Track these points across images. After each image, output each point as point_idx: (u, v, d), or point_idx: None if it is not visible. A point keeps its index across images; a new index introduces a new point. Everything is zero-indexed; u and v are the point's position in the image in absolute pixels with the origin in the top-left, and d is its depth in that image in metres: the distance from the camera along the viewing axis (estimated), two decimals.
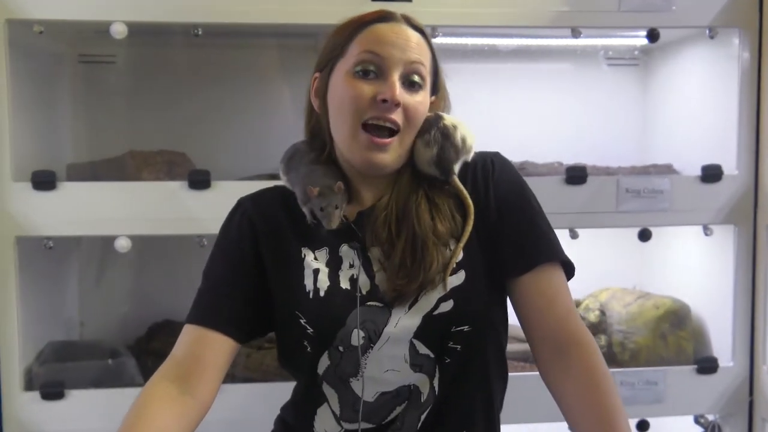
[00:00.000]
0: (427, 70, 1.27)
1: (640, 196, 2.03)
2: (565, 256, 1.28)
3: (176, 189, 1.94)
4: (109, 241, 1.94)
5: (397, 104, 1.21)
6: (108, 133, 2.30)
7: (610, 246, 2.42)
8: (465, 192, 1.28)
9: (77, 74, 2.31)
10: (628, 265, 2.50)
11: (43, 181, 1.89)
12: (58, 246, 1.97)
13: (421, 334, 1.21)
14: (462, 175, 1.30)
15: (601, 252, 2.40)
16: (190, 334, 1.26)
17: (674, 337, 2.19)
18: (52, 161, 2.09)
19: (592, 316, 2.27)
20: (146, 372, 2.00)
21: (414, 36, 1.26)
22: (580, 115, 2.46)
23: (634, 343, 2.19)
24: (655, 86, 2.49)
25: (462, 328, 1.22)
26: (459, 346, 1.23)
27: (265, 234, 1.31)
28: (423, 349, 1.22)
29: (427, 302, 1.22)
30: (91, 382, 1.96)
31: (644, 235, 2.08)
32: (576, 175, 2.02)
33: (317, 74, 1.31)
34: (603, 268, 2.42)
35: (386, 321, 1.21)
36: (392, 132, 1.23)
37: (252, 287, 1.30)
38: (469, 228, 1.26)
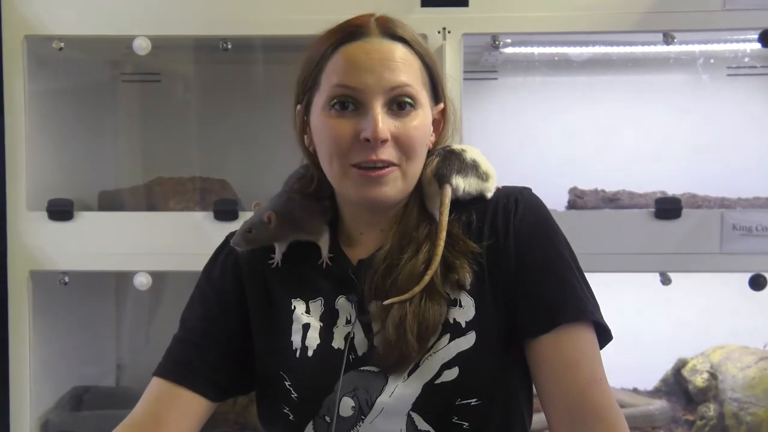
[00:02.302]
0: (418, 87, 1.19)
1: (752, 235, 1.87)
2: (598, 317, 1.16)
3: (200, 220, 1.93)
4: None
5: (384, 141, 1.15)
6: (150, 157, 2.32)
7: (733, 295, 2.23)
8: (444, 215, 1.18)
9: (121, 94, 2.35)
10: (761, 319, 2.30)
11: (59, 210, 1.92)
12: (83, 281, 1.97)
13: (420, 406, 1.14)
14: (480, 216, 1.22)
15: (720, 303, 2.26)
16: (155, 389, 1.23)
17: None
18: (86, 188, 2.12)
19: (699, 380, 2.12)
20: None
21: (394, 50, 1.17)
22: (692, 135, 2.31)
23: (752, 416, 2.04)
24: None
25: (469, 401, 1.13)
26: (466, 423, 1.14)
27: (251, 278, 1.27)
28: (423, 425, 1.14)
29: (428, 369, 1.14)
30: None
31: (757, 283, 1.92)
32: (667, 207, 1.88)
33: (298, 107, 1.26)
34: (723, 323, 2.27)
35: (381, 389, 1.15)
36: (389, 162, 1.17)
37: (232, 339, 1.25)
38: (431, 271, 1.15)
